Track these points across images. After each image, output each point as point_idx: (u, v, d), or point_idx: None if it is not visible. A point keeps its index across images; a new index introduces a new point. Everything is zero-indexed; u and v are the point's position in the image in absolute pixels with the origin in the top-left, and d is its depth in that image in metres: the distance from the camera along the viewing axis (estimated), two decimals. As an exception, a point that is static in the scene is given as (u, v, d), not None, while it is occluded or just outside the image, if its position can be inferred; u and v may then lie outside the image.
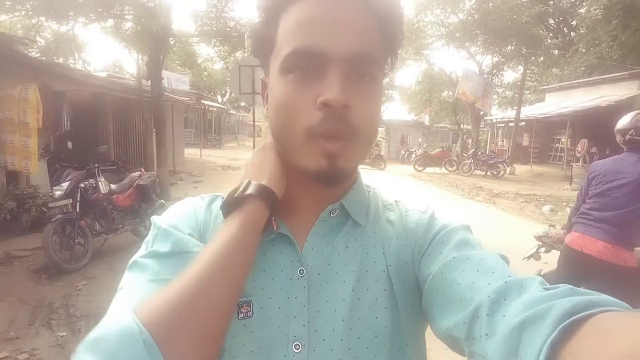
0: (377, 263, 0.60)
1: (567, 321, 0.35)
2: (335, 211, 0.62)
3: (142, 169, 6.36)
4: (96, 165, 5.39)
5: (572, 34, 25.83)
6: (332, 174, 0.53)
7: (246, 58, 8.10)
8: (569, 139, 16.69)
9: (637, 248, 2.48)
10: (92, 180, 5.23)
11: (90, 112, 9.54)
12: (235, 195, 0.56)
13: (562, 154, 17.44)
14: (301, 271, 0.58)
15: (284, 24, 0.54)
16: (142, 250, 0.57)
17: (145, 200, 5.92)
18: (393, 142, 26.79)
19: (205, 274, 0.47)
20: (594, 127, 15.97)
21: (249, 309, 0.56)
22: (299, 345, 0.54)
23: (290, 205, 0.61)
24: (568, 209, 9.23)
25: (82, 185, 5.03)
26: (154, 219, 0.60)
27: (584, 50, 22.16)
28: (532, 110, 19.56)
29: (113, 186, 5.55)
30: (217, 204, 0.65)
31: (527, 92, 25.23)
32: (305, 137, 0.52)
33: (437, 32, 22.98)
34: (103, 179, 5.40)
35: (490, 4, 20.12)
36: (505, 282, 0.46)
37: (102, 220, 5.35)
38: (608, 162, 2.61)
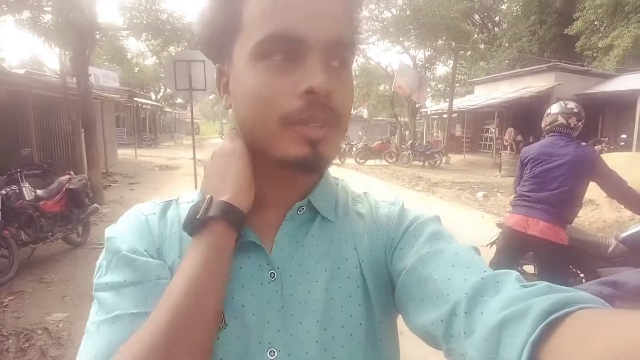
0: (349, 259, 0.58)
1: (547, 320, 0.35)
2: (303, 208, 0.60)
3: (71, 172, 5.93)
4: (19, 169, 4.95)
5: (496, 29, 27.51)
6: (315, 161, 0.52)
7: (181, 53, 7.77)
8: (497, 128, 17.77)
9: (568, 225, 2.69)
10: (14, 187, 4.79)
11: (8, 113, 8.73)
12: (198, 217, 0.52)
13: (491, 143, 18.55)
14: (272, 274, 0.55)
15: (253, 6, 0.51)
16: (98, 276, 0.53)
17: (77, 205, 5.52)
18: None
19: (180, 315, 0.46)
20: (519, 116, 17.17)
21: (221, 320, 0.53)
22: (274, 352, 0.53)
23: (256, 202, 0.57)
24: (499, 194, 9.90)
25: (2, 192, 4.61)
26: (108, 236, 0.56)
27: (507, 45, 23.69)
28: (463, 102, 20.63)
29: (39, 191, 5.11)
30: (173, 211, 0.60)
31: (458, 84, 26.51)
32: (284, 125, 0.50)
33: (372, 27, 23.47)
34: (27, 185, 4.96)
35: (421, 0, 20.86)
36: (482, 278, 0.46)
37: (28, 229, 4.91)
38: (539, 146, 2.78)
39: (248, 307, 0.54)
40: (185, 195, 0.64)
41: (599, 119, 16.51)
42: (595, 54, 19.75)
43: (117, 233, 0.56)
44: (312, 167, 0.52)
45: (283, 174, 0.55)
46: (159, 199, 0.63)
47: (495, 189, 10.65)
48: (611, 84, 15.72)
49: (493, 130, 18.33)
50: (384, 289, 0.58)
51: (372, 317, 0.57)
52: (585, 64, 19.07)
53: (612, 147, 13.36)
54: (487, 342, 0.39)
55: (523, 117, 16.82)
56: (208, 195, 0.54)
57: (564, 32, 20.44)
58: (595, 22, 19.64)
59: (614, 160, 8.10)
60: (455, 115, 20.66)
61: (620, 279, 0.83)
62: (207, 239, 0.51)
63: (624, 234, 2.84)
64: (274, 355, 0.53)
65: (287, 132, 0.50)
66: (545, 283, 0.42)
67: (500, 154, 15.10)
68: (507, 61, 22.79)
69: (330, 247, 0.59)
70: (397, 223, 0.61)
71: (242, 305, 0.54)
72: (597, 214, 6.97)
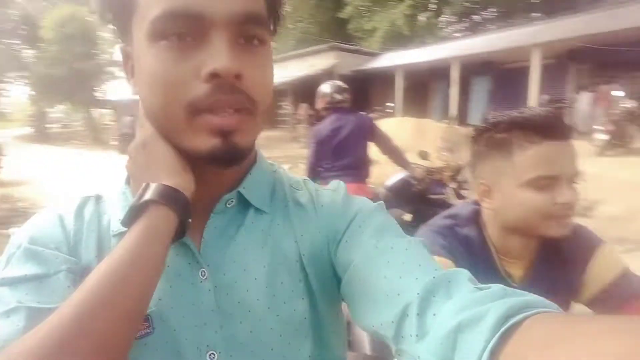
0: (290, 253, 0.55)
1: (506, 327, 0.35)
2: (232, 201, 0.55)
3: None
4: None
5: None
6: (228, 153, 0.47)
7: None
8: (292, 105, 19.01)
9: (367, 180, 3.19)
10: None
11: None
12: (131, 205, 0.47)
13: (288, 118, 19.79)
14: (202, 273, 0.51)
15: None
16: None
17: None
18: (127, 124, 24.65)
19: (87, 306, 0.40)
20: (309, 93, 18.64)
21: (147, 324, 0.49)
22: (213, 354, 0.50)
23: None
24: (301, 165, 10.68)
25: None
26: (14, 234, 0.52)
27: (291, 26, 25.25)
28: (258, 81, 21.25)
29: None
30: (90, 207, 0.56)
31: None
32: (190, 114, 0.45)
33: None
34: None
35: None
36: (434, 278, 0.44)
37: None
38: (329, 123, 3.06)
39: (178, 309, 0.50)
40: (108, 189, 0.58)
41: (370, 91, 19.30)
42: (363, 35, 22.85)
43: (23, 229, 0.52)
44: (225, 160, 0.48)
45: (200, 166, 0.50)
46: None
47: (299, 161, 11.44)
48: (377, 61, 18.46)
49: (288, 107, 19.53)
50: (328, 281, 0.56)
51: (317, 311, 0.55)
52: (356, 44, 21.86)
53: (381, 114, 15.77)
54: (443, 346, 0.38)
55: (312, 93, 18.35)
56: (144, 183, 0.48)
57: (339, 15, 22.96)
58: (362, 7, 22.60)
59: (386, 124, 9.63)
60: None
61: (454, 211, 0.98)
62: (141, 223, 0.45)
63: (388, 183, 3.55)
64: (213, 357, 0.50)
65: (195, 121, 0.46)
66: (500, 286, 0.42)
67: (298, 127, 16.22)
68: (293, 41, 24.35)
69: (268, 242, 0.55)
70: (340, 213, 0.57)
71: (171, 307, 0.50)
72: (381, 170, 8.19)
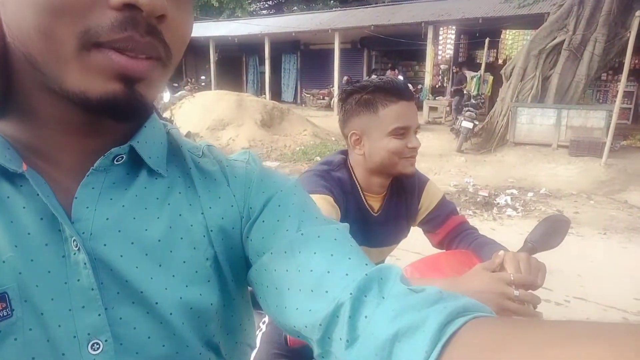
0: (195, 226, 0.47)
1: (446, 336, 0.33)
2: (122, 157, 0.44)
3: None
4: None
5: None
6: (130, 105, 0.39)
7: None
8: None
9: None
10: None
11: None
12: None
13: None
14: (75, 243, 0.41)
15: None
16: None
17: None
18: None
19: None
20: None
21: (4, 305, 0.38)
22: (98, 344, 0.40)
23: (47, 155, 0.43)
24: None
25: None
26: None
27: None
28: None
29: None
30: None
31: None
32: (83, 46, 0.35)
33: None
34: None
35: None
36: (366, 275, 0.41)
37: None
38: None
39: (45, 288, 0.40)
40: None
41: (182, 61, 18.40)
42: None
43: None
44: (125, 112, 0.39)
45: (80, 115, 0.40)
46: None
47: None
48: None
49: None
50: (238, 264, 0.50)
51: (227, 296, 0.49)
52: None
53: (195, 87, 15.32)
54: (378, 357, 0.36)
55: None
56: None
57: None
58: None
59: (204, 98, 9.52)
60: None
61: (328, 159, 1.21)
62: None
63: None
64: (98, 348, 0.40)
65: (90, 58, 0.36)
66: (435, 288, 0.40)
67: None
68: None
69: (164, 211, 0.46)
70: (256, 187, 0.51)
71: (36, 285, 0.39)
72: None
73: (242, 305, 0.52)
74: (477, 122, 7.99)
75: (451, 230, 1.21)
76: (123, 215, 0.44)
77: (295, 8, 20.12)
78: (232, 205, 0.50)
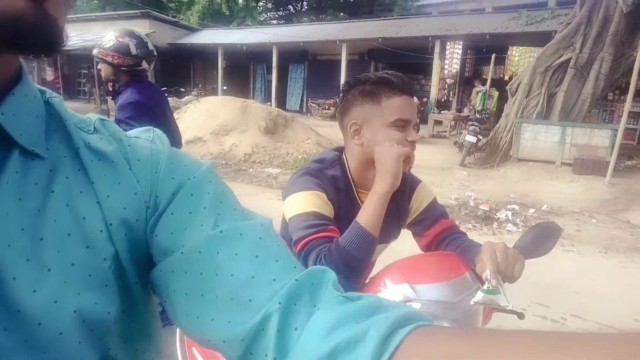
0: (89, 219, 0.38)
1: (389, 351, 0.31)
2: None
3: None
4: None
5: (79, -38, 24.98)
6: (38, 25, 0.32)
7: None
8: (97, 74, 16.85)
9: None
10: None
11: None
12: None
13: (94, 89, 17.52)
14: None
15: None
16: None
17: None
18: None
19: None
20: (119, 62, 16.82)
21: None
22: None
23: None
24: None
25: None
26: None
27: (94, -17, 22.16)
28: (52, 42, 18.10)
29: None
30: None
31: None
32: None
33: None
34: None
35: None
36: (296, 280, 0.37)
37: None
38: (148, 95, 2.24)
39: None
40: None
41: (191, 67, 18.59)
42: (179, 7, 21.63)
43: None
44: (31, 37, 0.32)
45: None
46: None
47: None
48: (197, 36, 17.82)
49: (94, 75, 17.26)
50: (143, 262, 0.42)
51: (128, 301, 0.41)
52: (171, 15, 20.62)
53: (202, 93, 15.43)
54: None
55: (123, 63, 16.64)
56: None
57: (151, -20, 21.18)
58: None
59: (209, 103, 9.57)
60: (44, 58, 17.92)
61: (321, 157, 1.20)
62: None
63: None
64: None
65: None
66: (372, 295, 0.37)
67: (107, 100, 14.54)
68: (96, 1, 21.43)
69: (48, 201, 0.37)
70: (165, 172, 0.43)
71: None
72: (205, 148, 8.15)
73: (146, 309, 0.44)
74: (480, 137, 7.96)
75: (439, 233, 1.18)
76: None
77: (305, 19, 20.31)
78: (135, 193, 0.42)
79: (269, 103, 14.00)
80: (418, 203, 1.22)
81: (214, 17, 20.01)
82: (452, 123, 11.07)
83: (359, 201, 1.14)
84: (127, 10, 17.46)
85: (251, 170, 7.26)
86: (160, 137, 0.47)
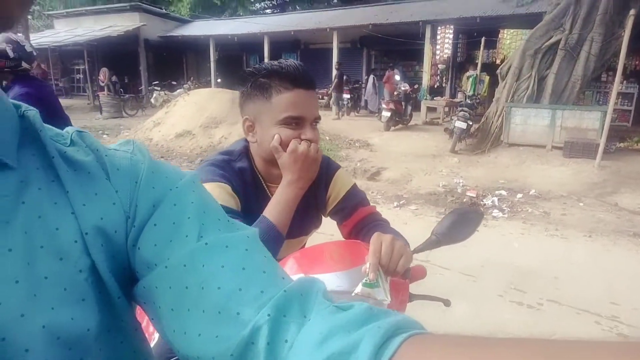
0: (62, 230, 0.37)
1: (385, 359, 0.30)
2: None
3: None
4: None
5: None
6: None
7: None
8: (89, 69, 16.77)
9: None
10: None
11: None
12: None
13: (85, 85, 17.43)
14: None
15: None
16: None
17: None
18: None
19: None
20: (111, 56, 16.75)
21: None
22: None
23: None
24: (105, 136, 9.72)
25: None
26: None
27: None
28: (43, 38, 17.98)
29: None
30: None
31: (31, 17, 22.66)
32: None
33: None
34: None
35: None
36: (285, 291, 0.37)
37: None
38: (36, 88, 2.51)
39: None
40: None
41: (183, 60, 18.47)
42: (170, -1, 21.43)
43: None
44: None
45: None
46: None
47: (100, 132, 10.35)
48: (189, 28, 17.67)
49: (85, 71, 17.17)
50: (125, 275, 0.41)
51: (110, 317, 0.39)
52: (162, 7, 20.42)
53: (195, 84, 15.33)
54: None
55: (113, 57, 16.56)
56: None
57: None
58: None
59: (198, 96, 9.51)
60: (34, 52, 17.80)
61: (229, 148, 1.15)
62: None
63: None
64: None
65: None
66: (363, 304, 0.36)
67: (99, 95, 14.49)
68: (87, -5, 21.23)
69: (18, 213, 0.36)
70: (146, 182, 0.42)
71: None
72: (194, 142, 8.12)
73: (131, 326, 0.43)
74: (471, 123, 7.89)
75: (358, 222, 1.14)
76: None
77: (298, 7, 20.11)
78: (113, 203, 0.40)
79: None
80: (336, 192, 1.17)
81: (205, 7, 19.81)
82: (446, 109, 10.97)
83: (268, 193, 1.10)
84: (116, 4, 17.26)
85: (240, 162, 7.22)
86: (141, 149, 0.46)
